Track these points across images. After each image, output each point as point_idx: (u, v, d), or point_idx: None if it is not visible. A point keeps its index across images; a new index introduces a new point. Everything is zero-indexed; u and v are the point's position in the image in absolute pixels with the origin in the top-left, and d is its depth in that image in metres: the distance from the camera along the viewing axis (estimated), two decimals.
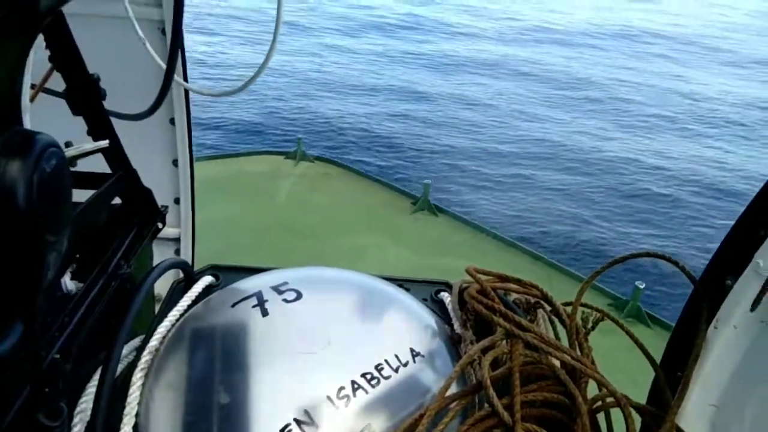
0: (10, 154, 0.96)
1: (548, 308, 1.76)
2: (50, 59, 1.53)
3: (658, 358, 1.64)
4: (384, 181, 9.39)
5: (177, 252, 3.71)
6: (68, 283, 1.55)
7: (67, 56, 1.56)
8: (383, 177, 9.68)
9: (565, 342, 1.57)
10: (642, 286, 7.17)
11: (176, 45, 2.07)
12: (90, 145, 1.60)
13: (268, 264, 1.93)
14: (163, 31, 3.16)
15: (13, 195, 0.94)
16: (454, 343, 1.64)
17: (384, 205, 8.73)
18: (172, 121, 3.43)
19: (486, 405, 1.36)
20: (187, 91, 3.27)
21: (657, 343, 1.56)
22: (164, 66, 2.68)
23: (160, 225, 2.15)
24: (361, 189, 9.10)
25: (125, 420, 1.31)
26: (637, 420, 1.44)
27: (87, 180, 1.73)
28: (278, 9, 2.35)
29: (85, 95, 1.65)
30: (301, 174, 9.42)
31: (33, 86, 1.79)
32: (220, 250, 3.77)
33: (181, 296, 1.70)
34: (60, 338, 1.39)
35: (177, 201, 3.63)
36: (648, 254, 1.69)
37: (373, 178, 9.42)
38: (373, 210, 8.57)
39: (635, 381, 1.70)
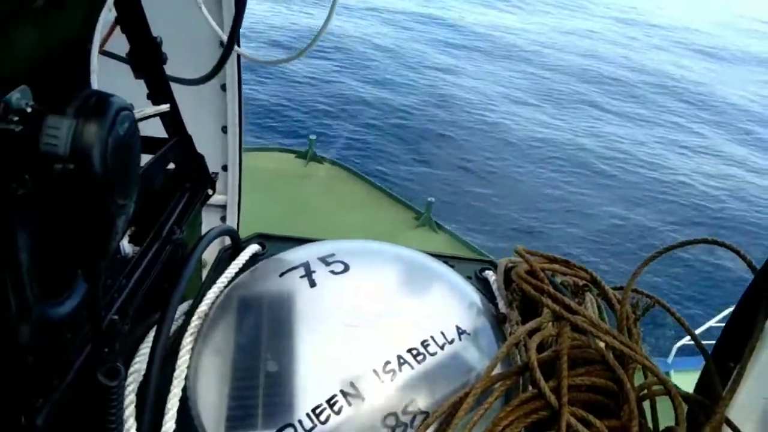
0: (85, 116, 0.96)
1: (596, 292, 1.73)
2: (117, 21, 1.53)
3: None
4: (390, 192, 9.63)
5: (223, 219, 3.77)
6: (126, 246, 1.59)
7: (134, 19, 1.57)
8: (389, 188, 9.98)
9: (613, 327, 1.54)
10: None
11: (241, 11, 2.05)
12: (151, 109, 1.62)
13: None
14: None
15: (89, 158, 0.95)
16: (498, 323, 1.63)
17: (388, 216, 8.98)
18: (223, 87, 3.43)
19: (531, 387, 1.35)
20: (239, 57, 3.25)
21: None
22: (219, 30, 2.69)
23: (210, 191, 2.18)
24: (367, 197, 9.29)
25: (175, 383, 1.35)
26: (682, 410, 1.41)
27: (145, 144, 1.76)
28: None
29: (147, 59, 1.66)
30: (309, 175, 9.55)
31: None
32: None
33: (229, 263, 1.73)
34: (118, 300, 1.44)
35: (224, 168, 3.66)
36: (706, 241, 1.63)
37: (379, 188, 9.62)
38: (377, 221, 8.82)
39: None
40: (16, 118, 0.90)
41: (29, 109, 0.92)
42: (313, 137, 10.07)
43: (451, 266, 1.84)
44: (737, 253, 1.53)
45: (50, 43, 1.05)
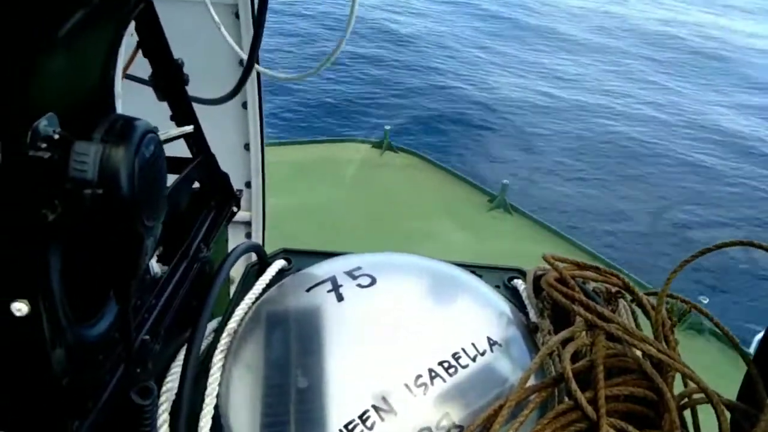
0: (112, 141, 0.98)
1: (629, 298, 1.69)
2: (139, 45, 1.56)
3: None
4: (464, 176, 9.73)
5: (248, 235, 3.80)
6: (154, 266, 1.61)
7: (155, 42, 1.59)
8: (463, 173, 10.02)
9: (648, 334, 1.50)
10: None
11: (260, 30, 2.06)
12: (176, 130, 1.64)
13: (341, 247, 1.95)
14: (237, 15, 3.19)
15: (116, 181, 0.97)
16: (529, 332, 1.60)
17: (461, 200, 9.15)
18: (244, 105, 3.47)
19: (567, 398, 1.32)
20: (259, 75, 3.29)
21: None
22: (238, 49, 2.72)
23: (235, 209, 2.19)
24: (441, 182, 9.54)
25: (207, 400, 1.35)
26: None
27: (170, 164, 1.79)
28: None
29: (170, 81, 1.69)
30: (385, 164, 9.89)
31: None
32: (292, 233, 3.97)
33: (255, 279, 1.73)
34: (149, 320, 1.45)
35: (248, 185, 3.70)
36: (742, 243, 1.57)
37: (453, 173, 9.78)
38: (451, 204, 9.04)
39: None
40: (44, 146, 0.91)
41: (57, 136, 0.93)
42: (388, 127, 10.36)
43: (479, 276, 1.81)
44: None
45: (75, 70, 1.06)
